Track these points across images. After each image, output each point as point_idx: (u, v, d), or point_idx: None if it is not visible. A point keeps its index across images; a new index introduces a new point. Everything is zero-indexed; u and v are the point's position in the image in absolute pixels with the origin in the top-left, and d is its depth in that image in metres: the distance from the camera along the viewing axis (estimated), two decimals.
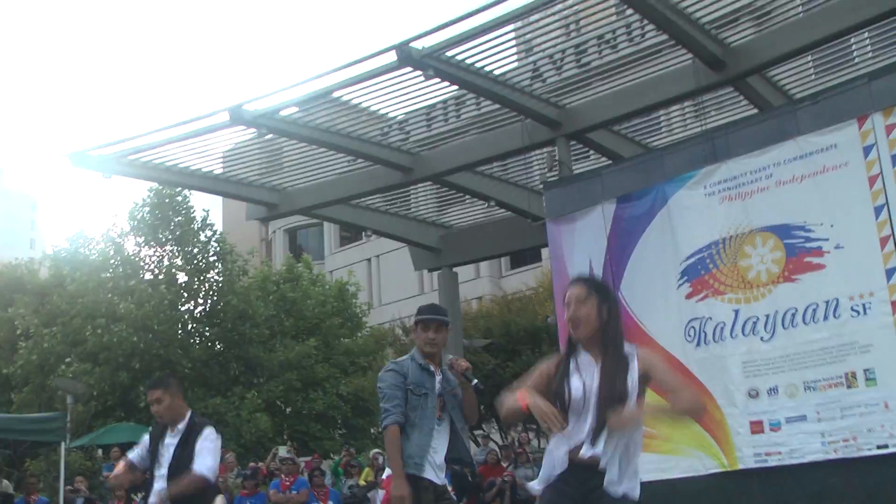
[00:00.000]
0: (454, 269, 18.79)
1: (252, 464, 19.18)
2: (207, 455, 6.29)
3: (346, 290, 36.42)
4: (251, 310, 31.00)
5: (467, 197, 18.13)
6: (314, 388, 31.71)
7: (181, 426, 6.38)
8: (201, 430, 6.37)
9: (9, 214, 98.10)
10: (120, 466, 6.46)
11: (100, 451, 21.60)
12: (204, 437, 6.33)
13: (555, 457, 4.46)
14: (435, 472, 5.95)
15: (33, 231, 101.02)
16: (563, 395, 4.44)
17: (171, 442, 6.36)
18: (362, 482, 17.14)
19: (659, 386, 4.60)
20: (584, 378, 4.45)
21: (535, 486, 4.59)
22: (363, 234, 36.99)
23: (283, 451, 19.77)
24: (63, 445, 14.36)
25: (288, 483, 14.34)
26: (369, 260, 48.67)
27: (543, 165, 14.85)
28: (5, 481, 20.14)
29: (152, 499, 6.31)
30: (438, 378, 6.05)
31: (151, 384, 6.60)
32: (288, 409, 32.28)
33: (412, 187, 18.26)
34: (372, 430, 33.25)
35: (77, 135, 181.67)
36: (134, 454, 6.55)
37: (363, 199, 17.59)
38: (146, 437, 6.60)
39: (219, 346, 31.97)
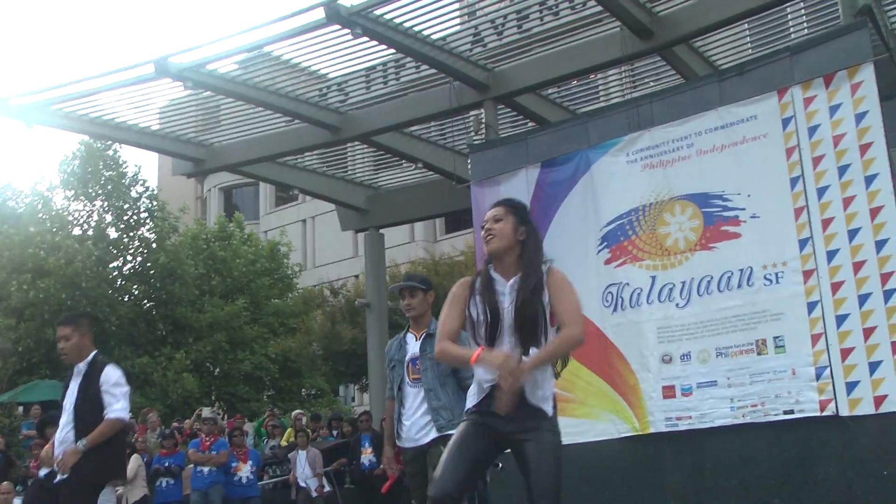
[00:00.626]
0: (381, 231, 18.75)
1: (175, 423, 19.06)
2: (118, 397, 6.21)
3: (277, 251, 36.16)
4: (180, 269, 30.64)
5: (402, 160, 18.08)
6: (242, 349, 31.51)
7: (82, 366, 6.28)
8: (103, 368, 6.28)
9: None
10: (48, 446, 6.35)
11: (20, 409, 21.28)
12: (107, 377, 6.24)
13: (480, 383, 4.44)
14: (408, 436, 6.36)
15: None
16: (476, 318, 4.44)
17: (73, 385, 6.27)
18: (284, 443, 17.10)
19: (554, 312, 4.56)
20: (499, 299, 4.39)
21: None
22: (292, 193, 36.80)
23: (206, 412, 19.64)
24: None
25: (208, 443, 14.21)
26: (304, 221, 48.34)
27: (472, 128, 14.85)
28: None
29: (57, 450, 6.23)
30: (417, 343, 6.46)
31: (61, 321, 6.51)
32: (216, 371, 32.06)
33: (349, 149, 18.16)
34: (303, 392, 33.21)
35: (2, 82, 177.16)
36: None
37: (297, 159, 17.46)
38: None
39: (147, 305, 31.59)
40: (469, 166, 12.13)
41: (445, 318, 4.54)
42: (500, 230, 4.48)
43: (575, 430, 10.44)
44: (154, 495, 14.11)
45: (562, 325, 4.44)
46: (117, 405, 6.18)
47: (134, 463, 13.95)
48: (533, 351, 4.37)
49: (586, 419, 10.42)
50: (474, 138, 13.70)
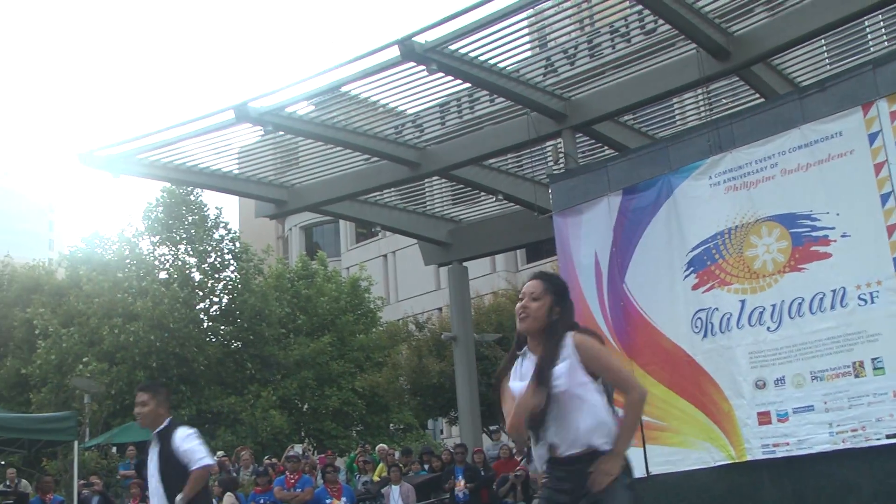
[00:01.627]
0: (464, 264, 18.76)
1: (267, 460, 19.22)
2: (195, 449, 6.34)
3: (358, 286, 36.40)
4: (267, 308, 31.05)
5: (479, 192, 18.11)
6: (329, 385, 31.74)
7: (160, 430, 6.44)
8: (174, 430, 6.43)
9: (26, 216, 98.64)
10: None
11: (114, 450, 21.67)
12: (178, 435, 6.38)
13: (536, 457, 4.44)
14: None
15: (51, 232, 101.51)
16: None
17: (153, 453, 6.39)
18: (376, 478, 17.12)
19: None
20: (525, 375, 4.37)
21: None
22: (377, 230, 36.96)
23: (297, 449, 19.79)
24: (76, 444, 14.41)
25: (293, 480, 14.34)
26: (385, 256, 48.66)
27: (551, 158, 14.81)
28: (24, 481, 20.28)
29: None
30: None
31: (141, 386, 6.65)
32: (304, 407, 32.34)
33: (427, 184, 18.25)
34: (391, 426, 33.28)
35: (91, 135, 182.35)
36: None
37: (376, 196, 17.59)
38: None
39: (235, 345, 32.03)
40: (550, 196, 12.09)
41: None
42: (535, 311, 4.36)
43: (670, 459, 10.32)
44: None
45: (620, 392, 4.39)
46: (199, 455, 6.32)
47: (228, 500, 14.15)
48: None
49: (681, 447, 10.27)
50: (554, 168, 13.69)
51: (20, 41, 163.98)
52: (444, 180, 17.90)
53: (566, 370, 4.22)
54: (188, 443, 6.35)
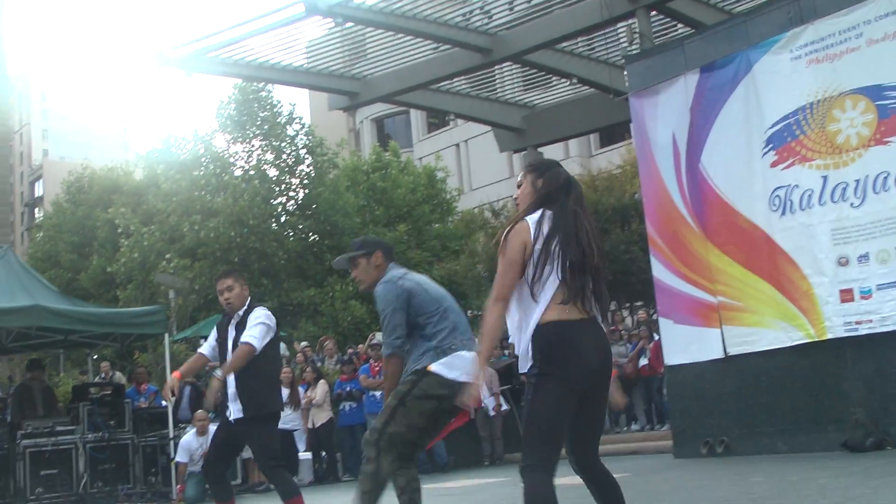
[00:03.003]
0: (539, 149, 18.65)
1: (350, 349, 19.62)
2: (254, 327, 6.46)
3: (434, 176, 36.41)
4: (341, 201, 31.29)
5: (552, 77, 17.87)
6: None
7: (240, 312, 6.58)
8: (252, 310, 6.58)
9: (102, 119, 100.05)
10: (212, 387, 6.63)
11: (202, 342, 22.28)
12: (253, 314, 6.54)
13: None
14: None
15: (126, 134, 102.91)
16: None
17: (232, 332, 6.56)
18: None
19: None
20: None
21: None
22: (449, 119, 36.73)
23: (378, 337, 20.12)
24: (167, 337, 14.83)
25: (378, 368, 14.63)
26: (457, 145, 48.49)
27: (625, 39, 14.53)
28: (118, 373, 21.06)
29: (231, 386, 6.54)
30: None
31: (222, 274, 6.81)
32: None
33: (497, 70, 18.04)
34: (469, 313, 33.64)
35: (161, 36, 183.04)
36: (206, 348, 6.76)
37: (447, 84, 17.48)
38: (214, 331, 6.79)
39: (312, 237, 32.42)
40: (626, 78, 11.92)
41: (503, 278, 4.27)
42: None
43: (747, 339, 10.34)
44: (338, 418, 14.66)
45: None
46: (249, 332, 6.42)
47: (321, 388, 14.57)
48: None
49: (756, 327, 10.27)
50: (629, 49, 13.42)
51: None
52: (514, 66, 17.68)
53: None
54: (254, 320, 6.49)
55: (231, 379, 6.47)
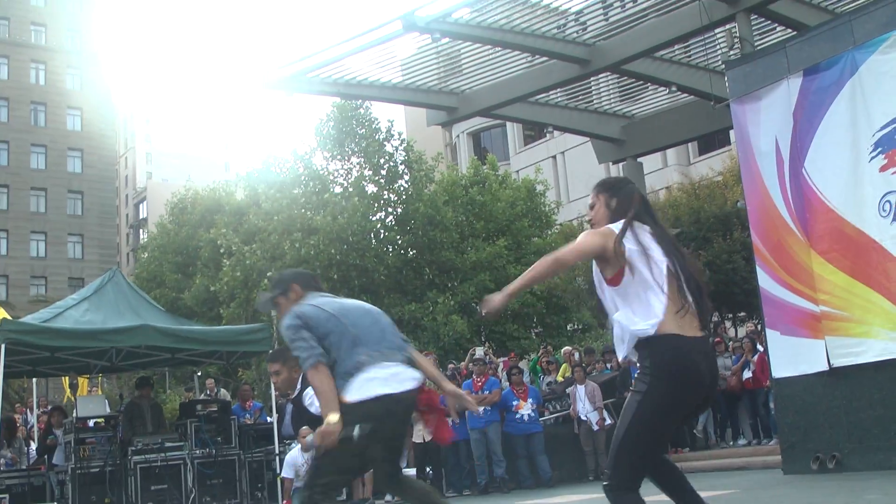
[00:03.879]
0: (639, 160, 18.45)
1: (451, 364, 19.65)
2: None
3: (533, 189, 36.26)
4: (439, 215, 31.39)
5: (649, 85, 17.67)
6: None
7: (293, 395, 6.50)
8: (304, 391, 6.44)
9: (203, 141, 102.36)
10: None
11: None
12: (308, 395, 6.33)
13: None
14: None
15: (226, 154, 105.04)
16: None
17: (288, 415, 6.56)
18: (560, 378, 17.29)
19: None
20: None
21: None
22: (546, 131, 36.54)
23: (479, 352, 20.13)
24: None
25: (480, 383, 14.60)
26: (554, 157, 48.35)
27: (724, 45, 14.27)
28: (223, 390, 21.47)
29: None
30: None
31: (270, 357, 6.76)
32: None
33: (593, 80, 17.91)
34: (568, 328, 33.40)
35: (260, 58, 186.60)
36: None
37: (543, 96, 17.42)
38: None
39: (411, 253, 32.59)
40: (726, 84, 11.70)
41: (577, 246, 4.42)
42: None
43: (851, 350, 9.99)
44: None
45: None
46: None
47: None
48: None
49: (863, 338, 9.92)
50: (729, 54, 13.17)
51: None
52: (611, 76, 17.53)
53: None
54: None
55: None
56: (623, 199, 4.29)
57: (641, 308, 3.98)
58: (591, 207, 4.39)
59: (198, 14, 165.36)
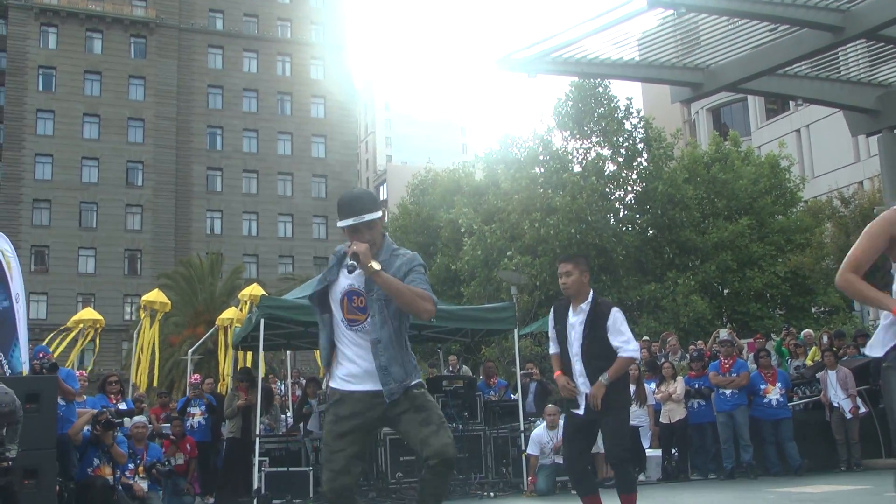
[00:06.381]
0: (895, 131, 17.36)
1: (692, 346, 19.24)
2: (630, 338, 6.64)
3: (778, 165, 34.95)
4: (678, 194, 30.82)
5: None
6: (750, 268, 31.02)
7: (584, 305, 6.66)
8: (608, 311, 6.66)
9: (441, 123, 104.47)
10: (561, 381, 6.73)
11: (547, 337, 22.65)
12: (615, 320, 6.62)
13: None
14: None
15: (463, 136, 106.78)
16: None
17: (576, 320, 6.60)
18: (809, 362, 16.58)
19: None
20: None
21: None
22: (790, 104, 35.12)
23: (723, 334, 19.62)
24: (515, 332, 15.19)
25: (728, 365, 14.21)
26: (798, 130, 46.36)
27: None
28: (465, 367, 21.89)
29: (579, 378, 6.59)
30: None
31: (563, 258, 6.95)
32: (725, 291, 31.92)
33: (841, 49, 16.97)
34: (812, 309, 32.09)
35: (494, 40, 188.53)
36: (553, 347, 6.87)
37: (787, 68, 16.68)
38: (551, 315, 6.89)
39: (651, 232, 32.17)
40: None
41: (858, 250, 3.99)
42: None
43: None
44: (688, 416, 14.40)
45: None
46: (630, 346, 6.59)
47: (681, 384, 14.41)
48: None
49: None
50: None
51: None
52: (860, 42, 16.51)
53: None
54: (623, 328, 6.62)
55: (581, 373, 6.56)
56: None
57: None
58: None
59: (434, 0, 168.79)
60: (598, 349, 6.56)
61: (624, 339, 6.57)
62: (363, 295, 4.88)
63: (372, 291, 4.83)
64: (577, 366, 6.61)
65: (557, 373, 6.73)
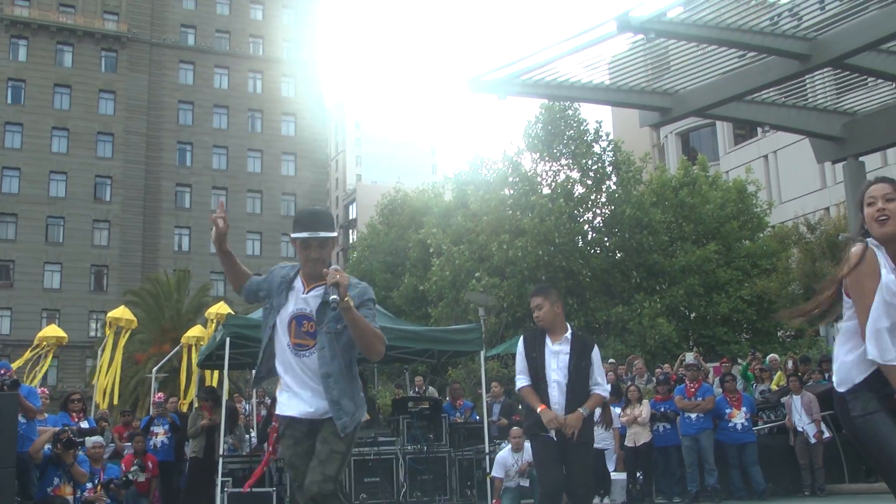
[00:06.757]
0: (860, 159, 17.55)
1: (658, 369, 19.28)
2: (604, 378, 6.91)
3: (745, 190, 35.25)
4: (647, 218, 30.98)
5: (867, 79, 16.75)
6: (717, 292, 31.22)
7: (567, 335, 6.76)
8: (592, 346, 6.85)
9: (411, 144, 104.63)
10: (549, 415, 6.69)
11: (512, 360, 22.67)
12: (596, 357, 6.80)
13: None
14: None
15: (433, 157, 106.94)
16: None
17: (560, 349, 6.65)
18: (774, 387, 16.67)
19: None
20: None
21: None
22: (758, 130, 35.43)
23: (689, 357, 19.68)
24: (482, 354, 15.18)
25: (693, 389, 14.26)
26: (766, 156, 46.82)
27: None
28: (431, 388, 21.83)
29: (554, 406, 6.60)
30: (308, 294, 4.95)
31: (533, 291, 7.04)
32: (692, 314, 32.08)
33: (808, 76, 17.14)
34: (778, 334, 32.30)
35: (466, 62, 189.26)
36: (524, 379, 6.80)
37: (755, 95, 16.83)
38: (522, 346, 6.86)
39: (619, 255, 32.30)
40: None
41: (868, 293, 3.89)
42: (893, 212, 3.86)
43: None
44: (653, 439, 14.42)
45: None
46: (605, 385, 6.89)
47: (646, 407, 14.41)
48: None
49: None
50: None
51: None
52: (827, 70, 16.69)
53: None
54: (601, 369, 6.85)
55: (559, 402, 6.57)
56: None
57: None
58: (889, 201, 3.93)
59: (405, 21, 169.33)
60: (579, 380, 6.65)
61: (602, 378, 6.80)
62: (313, 320, 4.87)
63: (322, 324, 4.82)
64: (555, 393, 6.61)
65: (542, 407, 6.59)
